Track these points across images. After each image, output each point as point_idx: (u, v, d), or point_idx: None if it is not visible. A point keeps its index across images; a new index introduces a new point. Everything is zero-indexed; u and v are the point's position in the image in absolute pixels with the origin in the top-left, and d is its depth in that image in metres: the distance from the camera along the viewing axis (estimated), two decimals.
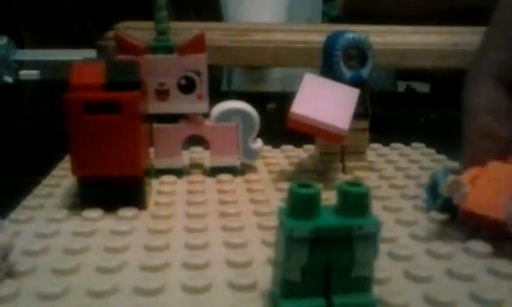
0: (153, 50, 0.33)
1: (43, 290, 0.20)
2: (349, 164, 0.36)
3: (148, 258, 0.23)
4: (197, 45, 0.33)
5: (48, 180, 0.34)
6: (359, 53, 0.34)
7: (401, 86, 0.97)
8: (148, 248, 0.24)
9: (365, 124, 0.35)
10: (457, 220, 0.26)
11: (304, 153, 0.40)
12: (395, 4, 0.83)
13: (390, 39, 0.63)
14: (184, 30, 0.50)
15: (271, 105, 0.60)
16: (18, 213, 0.28)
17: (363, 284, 0.18)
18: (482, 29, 0.30)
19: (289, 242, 0.17)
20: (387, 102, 0.67)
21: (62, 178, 0.34)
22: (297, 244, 0.17)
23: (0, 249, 0.21)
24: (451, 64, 0.62)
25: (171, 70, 0.33)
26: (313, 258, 0.18)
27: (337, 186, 0.18)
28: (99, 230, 0.26)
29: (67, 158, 0.31)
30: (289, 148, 0.41)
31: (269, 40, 0.74)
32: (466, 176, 0.26)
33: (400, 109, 0.68)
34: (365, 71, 0.34)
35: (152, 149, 0.34)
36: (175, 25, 0.36)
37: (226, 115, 0.34)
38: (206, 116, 0.35)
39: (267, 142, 0.38)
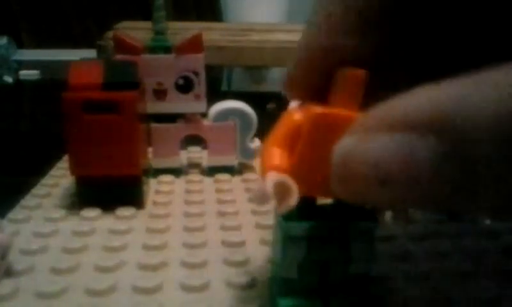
0: (151, 50, 0.33)
1: (41, 289, 0.20)
2: None
3: (146, 257, 0.23)
4: (195, 45, 0.33)
5: (47, 180, 0.34)
6: None
7: None
8: (146, 247, 0.24)
9: None
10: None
11: None
12: None
13: None
14: (183, 30, 0.51)
15: (271, 105, 0.60)
16: (16, 213, 0.28)
17: (361, 281, 0.18)
18: None
19: (286, 240, 0.17)
20: None
21: (60, 178, 0.34)
22: (294, 242, 0.17)
23: None
24: None
25: (169, 69, 0.33)
26: (310, 255, 0.18)
27: None
28: (97, 229, 0.26)
29: (65, 158, 0.31)
30: None
31: (269, 40, 0.74)
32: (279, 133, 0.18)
33: None
34: None
35: (150, 149, 0.34)
36: (173, 25, 0.36)
37: (224, 115, 0.35)
38: (204, 115, 0.35)
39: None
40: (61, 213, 0.28)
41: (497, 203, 0.13)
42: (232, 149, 0.35)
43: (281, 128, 0.17)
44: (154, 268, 0.22)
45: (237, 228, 0.27)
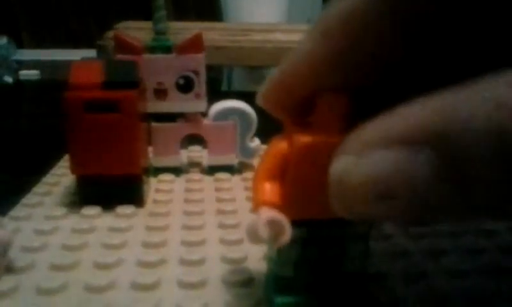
0: (152, 49, 0.33)
1: (41, 285, 0.21)
2: None
3: (145, 254, 0.23)
4: (195, 44, 0.33)
5: (48, 179, 0.34)
6: None
7: None
8: (146, 245, 0.25)
9: None
10: None
11: None
12: None
13: None
14: (183, 30, 0.51)
15: None
16: (17, 211, 0.29)
17: (356, 279, 0.19)
18: None
19: None
20: None
21: (61, 177, 0.34)
22: (289, 241, 0.18)
23: None
24: None
25: (170, 69, 0.33)
26: (305, 253, 0.18)
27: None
28: (97, 227, 0.27)
29: (66, 157, 0.31)
30: None
31: (269, 40, 0.74)
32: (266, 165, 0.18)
33: None
34: None
35: (150, 148, 0.34)
36: (173, 25, 0.36)
37: (224, 114, 0.35)
38: (204, 115, 0.35)
39: (264, 141, 0.38)
40: (61, 211, 0.28)
41: (493, 211, 0.13)
42: (232, 148, 0.35)
43: (269, 159, 0.18)
44: (153, 265, 0.23)
45: (235, 226, 0.27)
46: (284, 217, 0.17)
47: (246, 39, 0.76)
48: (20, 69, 0.96)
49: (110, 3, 1.33)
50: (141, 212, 0.29)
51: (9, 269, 0.22)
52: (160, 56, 0.33)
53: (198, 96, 0.34)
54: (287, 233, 0.16)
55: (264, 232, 0.16)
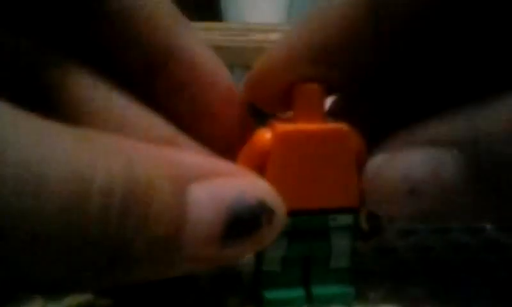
0: None
1: None
2: None
3: None
4: None
5: None
6: None
7: None
8: None
9: None
10: None
11: None
12: None
13: None
14: None
15: None
16: None
17: (343, 275, 0.19)
18: None
19: None
20: None
21: None
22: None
23: None
24: None
25: None
26: (292, 249, 0.18)
27: None
28: None
29: None
30: None
31: (269, 40, 0.74)
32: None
33: None
34: None
35: None
36: None
37: None
38: None
39: None
40: None
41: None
42: None
43: (249, 150, 0.18)
44: None
45: None
46: None
47: (246, 39, 0.76)
48: None
49: None
50: None
51: None
52: None
53: None
54: None
55: None
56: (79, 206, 0.10)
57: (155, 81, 0.17)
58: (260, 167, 0.17)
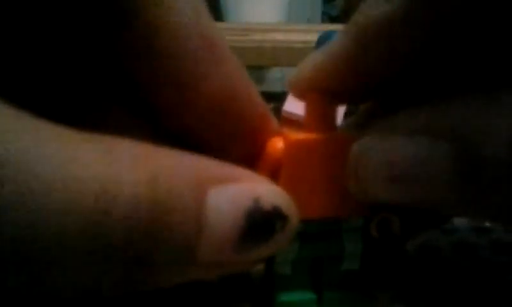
0: None
1: None
2: None
3: None
4: None
5: None
6: None
7: None
8: None
9: None
10: None
11: None
12: None
13: None
14: None
15: (271, 106, 0.61)
16: None
17: (353, 278, 0.19)
18: None
19: None
20: None
21: None
22: None
23: None
24: None
25: None
26: (303, 251, 0.18)
27: None
28: None
29: None
30: None
31: (269, 40, 0.74)
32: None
33: None
34: None
35: None
36: None
37: None
38: None
39: None
40: None
41: (499, 213, 0.13)
42: None
43: (262, 157, 0.18)
44: None
45: None
46: None
47: (246, 39, 0.76)
48: None
49: None
50: None
51: None
52: None
53: None
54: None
55: None
56: (104, 223, 0.10)
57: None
58: (272, 176, 0.17)
